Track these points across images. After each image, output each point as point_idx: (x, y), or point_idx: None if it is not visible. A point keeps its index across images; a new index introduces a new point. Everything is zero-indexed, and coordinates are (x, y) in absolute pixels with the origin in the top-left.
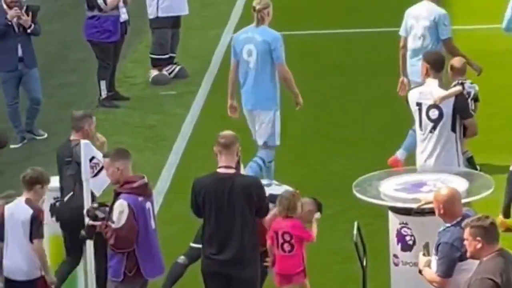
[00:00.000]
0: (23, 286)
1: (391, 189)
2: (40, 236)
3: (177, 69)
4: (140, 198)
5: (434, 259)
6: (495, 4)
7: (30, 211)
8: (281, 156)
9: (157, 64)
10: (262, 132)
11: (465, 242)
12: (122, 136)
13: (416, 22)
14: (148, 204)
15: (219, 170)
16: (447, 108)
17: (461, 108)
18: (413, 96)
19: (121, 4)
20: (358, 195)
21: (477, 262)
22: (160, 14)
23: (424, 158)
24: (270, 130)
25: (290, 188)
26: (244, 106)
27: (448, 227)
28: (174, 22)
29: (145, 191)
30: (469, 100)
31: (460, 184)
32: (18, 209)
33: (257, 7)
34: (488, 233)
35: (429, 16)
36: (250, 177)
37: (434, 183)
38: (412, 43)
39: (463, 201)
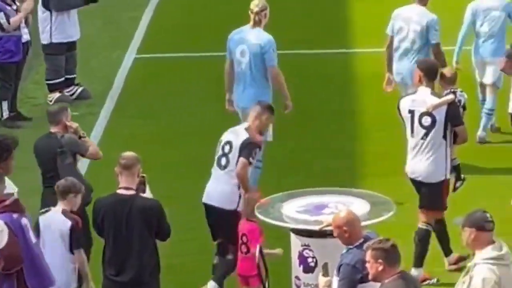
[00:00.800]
0: None
1: (293, 211)
2: (80, 246)
3: (79, 90)
4: (15, 215)
5: (335, 280)
6: None
7: (68, 223)
8: None
9: (54, 88)
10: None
11: (367, 265)
12: (25, 156)
13: (406, 24)
14: (24, 220)
15: (118, 191)
16: (440, 115)
17: (453, 116)
18: (405, 104)
19: (23, 24)
20: (261, 217)
21: (378, 284)
22: (54, 40)
23: (414, 164)
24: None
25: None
26: (237, 105)
27: (351, 248)
28: (69, 46)
29: (18, 208)
30: (460, 107)
31: (362, 207)
32: (55, 221)
33: (255, 9)
34: (389, 255)
35: (420, 21)
36: (150, 199)
37: (335, 205)
38: (400, 45)
39: (365, 223)
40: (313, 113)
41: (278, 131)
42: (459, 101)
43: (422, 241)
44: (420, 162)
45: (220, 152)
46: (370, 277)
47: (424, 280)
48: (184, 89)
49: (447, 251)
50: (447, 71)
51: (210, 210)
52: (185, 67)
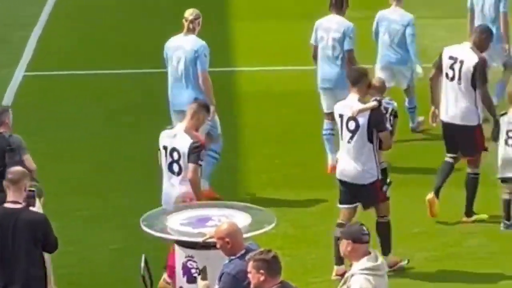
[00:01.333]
0: None
1: (177, 223)
2: None
3: None
4: None
5: None
6: (277, 47)
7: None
8: None
9: None
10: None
11: (249, 275)
12: None
13: (326, 33)
14: None
15: (6, 204)
16: (363, 120)
17: (376, 122)
18: (337, 109)
19: None
20: (145, 229)
21: None
22: None
23: (344, 165)
24: (209, 123)
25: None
26: (173, 107)
27: (233, 259)
28: None
29: None
30: (386, 115)
31: (244, 219)
32: None
33: (190, 18)
34: (271, 266)
35: (338, 28)
36: (36, 213)
37: (219, 218)
38: (323, 53)
39: (246, 235)
40: None
41: None
42: (386, 109)
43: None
44: (348, 165)
45: (169, 159)
46: (252, 286)
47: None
48: (72, 106)
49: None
50: (375, 80)
51: None
52: (72, 84)
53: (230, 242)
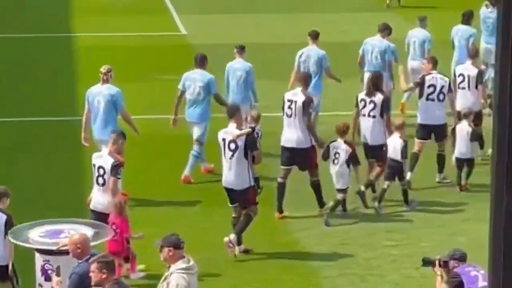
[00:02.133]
0: None
1: (36, 235)
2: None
3: None
4: None
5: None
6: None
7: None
8: None
9: None
10: None
11: (91, 274)
12: None
13: (194, 83)
14: None
15: None
16: (241, 142)
17: (250, 144)
18: (219, 134)
19: None
20: (12, 240)
21: None
22: None
23: (227, 175)
24: None
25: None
26: (96, 136)
27: (81, 262)
28: None
29: None
30: (258, 138)
31: (87, 232)
32: None
33: (103, 71)
34: (110, 266)
35: (202, 79)
36: None
37: (69, 231)
38: (190, 97)
39: (92, 244)
40: None
41: None
42: (257, 133)
43: (244, 222)
44: (230, 176)
45: (96, 174)
46: (93, 283)
47: None
48: None
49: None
50: (254, 113)
51: (100, 215)
52: None
53: (81, 248)
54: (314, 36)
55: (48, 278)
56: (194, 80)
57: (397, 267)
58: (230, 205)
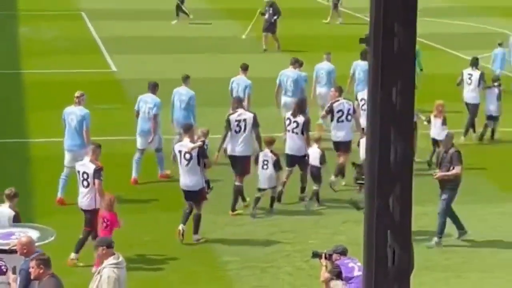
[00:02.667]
0: None
1: None
2: None
3: None
4: None
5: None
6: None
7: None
8: None
9: None
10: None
11: (31, 270)
12: None
13: (145, 104)
14: None
15: None
16: (194, 153)
17: (202, 154)
18: (176, 147)
19: None
20: None
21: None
22: None
23: (183, 180)
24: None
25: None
26: (67, 146)
27: (27, 260)
28: None
29: None
30: (207, 149)
31: (33, 234)
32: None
33: (77, 95)
34: (47, 262)
35: (152, 102)
36: None
37: (19, 233)
38: (143, 115)
39: (37, 244)
40: None
41: None
42: (206, 145)
43: (197, 220)
44: (186, 179)
45: (81, 178)
46: (32, 277)
47: None
48: None
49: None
50: (203, 129)
51: (86, 211)
52: None
53: (27, 248)
54: (244, 68)
55: (1, 273)
56: (145, 102)
57: (291, 261)
58: (186, 201)
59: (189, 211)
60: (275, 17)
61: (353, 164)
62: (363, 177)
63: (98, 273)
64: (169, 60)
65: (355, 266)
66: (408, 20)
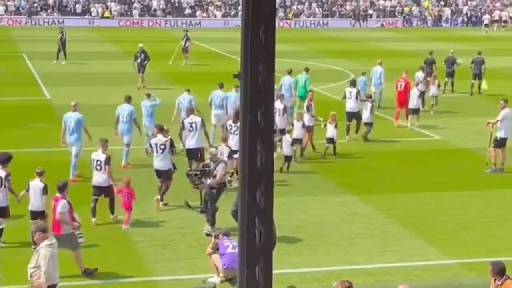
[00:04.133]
0: None
1: None
2: None
3: None
4: None
5: None
6: None
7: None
8: None
9: None
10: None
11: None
12: None
13: (123, 111)
14: None
15: None
16: (167, 144)
17: (171, 144)
18: (152, 141)
19: None
20: None
21: None
22: None
23: (157, 163)
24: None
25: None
26: (68, 141)
27: None
28: None
29: None
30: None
31: None
32: None
33: (73, 104)
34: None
35: (129, 109)
36: None
37: None
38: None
39: None
40: None
41: None
42: (171, 139)
43: (165, 188)
44: (161, 163)
45: (95, 164)
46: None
47: None
48: None
49: None
50: (166, 128)
51: (100, 188)
52: None
53: None
54: (148, 95)
55: None
56: (123, 109)
57: (186, 240)
58: (158, 179)
59: (161, 185)
60: (145, 62)
61: (187, 173)
62: (197, 183)
63: (37, 252)
64: (91, 90)
65: (230, 245)
66: (268, 61)
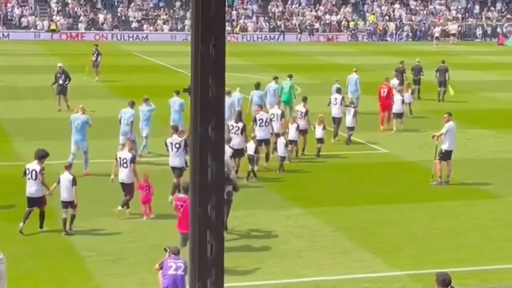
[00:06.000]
0: None
1: None
2: None
3: None
4: None
5: None
6: None
7: None
8: None
9: None
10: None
11: None
12: None
13: (125, 114)
14: None
15: None
16: (182, 143)
17: (186, 144)
18: (168, 140)
19: None
20: None
21: None
22: None
23: (172, 160)
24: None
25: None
26: (74, 139)
27: None
28: None
29: None
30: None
31: None
32: None
33: (81, 106)
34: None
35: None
36: None
37: None
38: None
39: None
40: None
41: None
42: (186, 139)
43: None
44: (175, 161)
45: (122, 162)
46: None
47: None
48: None
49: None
50: (180, 129)
51: (125, 184)
52: None
53: None
54: (146, 99)
55: None
56: (125, 113)
57: (134, 254)
58: (174, 176)
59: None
60: (66, 82)
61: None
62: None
63: None
64: (37, 104)
65: (173, 266)
66: (218, 74)
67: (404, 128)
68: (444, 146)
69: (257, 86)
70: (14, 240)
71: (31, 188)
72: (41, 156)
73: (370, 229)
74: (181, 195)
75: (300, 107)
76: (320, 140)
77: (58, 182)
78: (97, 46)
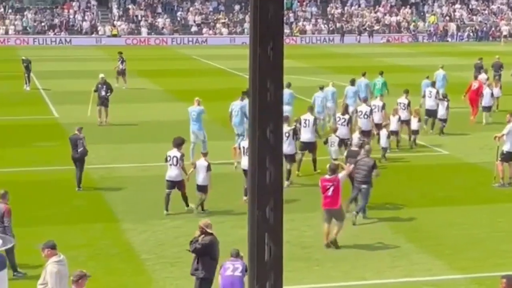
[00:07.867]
0: None
1: None
2: None
3: None
4: None
5: None
6: None
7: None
8: None
9: None
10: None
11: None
12: None
13: None
14: None
15: None
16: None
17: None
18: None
19: None
20: None
21: None
22: None
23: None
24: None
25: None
26: (192, 129)
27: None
28: None
29: None
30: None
31: None
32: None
33: (196, 99)
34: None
35: None
36: None
37: None
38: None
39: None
40: None
41: None
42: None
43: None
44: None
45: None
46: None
47: None
48: None
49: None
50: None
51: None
52: None
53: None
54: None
55: None
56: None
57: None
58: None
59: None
60: (108, 94)
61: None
62: None
63: (44, 268)
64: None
65: (230, 267)
66: (277, 77)
67: (492, 120)
68: (506, 147)
69: (352, 82)
70: (75, 243)
71: (172, 173)
72: (179, 143)
73: (430, 231)
74: (327, 176)
75: (402, 99)
76: (416, 132)
77: (195, 167)
78: (122, 53)
